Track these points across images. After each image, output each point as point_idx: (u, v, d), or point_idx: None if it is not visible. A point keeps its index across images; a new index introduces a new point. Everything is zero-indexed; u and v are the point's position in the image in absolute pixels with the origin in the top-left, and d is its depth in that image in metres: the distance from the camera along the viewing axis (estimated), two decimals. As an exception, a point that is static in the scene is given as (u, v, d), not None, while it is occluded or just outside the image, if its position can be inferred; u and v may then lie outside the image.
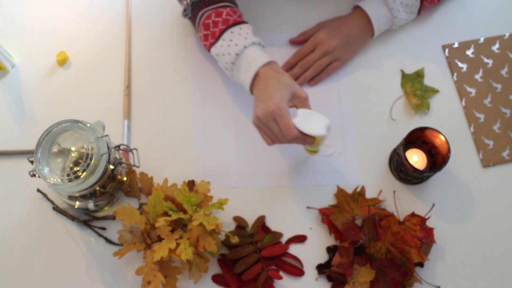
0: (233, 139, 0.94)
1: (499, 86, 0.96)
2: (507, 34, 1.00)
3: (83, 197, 0.82)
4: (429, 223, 0.87)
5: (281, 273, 0.86)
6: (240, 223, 0.88)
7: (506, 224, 0.88)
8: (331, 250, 0.87)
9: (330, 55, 0.95)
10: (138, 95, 0.97)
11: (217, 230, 0.80)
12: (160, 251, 0.78)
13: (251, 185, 0.91)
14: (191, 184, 0.89)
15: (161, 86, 0.98)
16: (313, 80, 0.96)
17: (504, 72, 0.97)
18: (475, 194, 0.90)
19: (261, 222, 0.88)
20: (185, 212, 0.83)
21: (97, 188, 0.81)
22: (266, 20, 1.01)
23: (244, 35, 0.84)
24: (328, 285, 0.85)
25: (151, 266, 0.80)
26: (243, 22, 0.87)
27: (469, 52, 0.99)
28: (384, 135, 0.94)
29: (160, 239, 0.82)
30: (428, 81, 0.97)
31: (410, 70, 0.98)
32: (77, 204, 0.85)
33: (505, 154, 0.92)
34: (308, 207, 0.90)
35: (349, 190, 0.90)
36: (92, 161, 0.76)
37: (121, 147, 0.85)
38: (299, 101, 0.81)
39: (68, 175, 0.76)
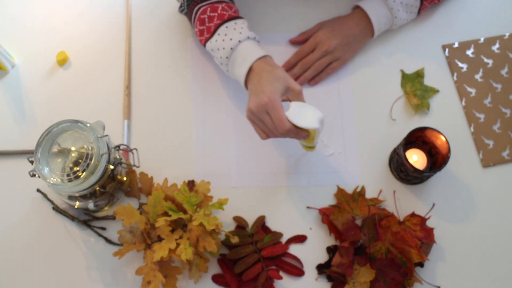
0: (233, 139, 0.94)
1: (499, 86, 0.96)
2: (507, 34, 1.00)
3: (83, 197, 0.82)
4: (429, 223, 0.87)
5: (281, 273, 0.86)
6: (240, 223, 0.88)
7: (506, 224, 0.88)
8: (331, 250, 0.87)
9: (330, 55, 0.95)
10: (138, 95, 0.97)
11: (217, 230, 0.80)
12: (160, 251, 0.78)
13: (251, 185, 0.91)
14: (191, 184, 0.89)
15: (161, 86, 0.98)
16: (313, 80, 0.96)
17: (504, 72, 0.97)
18: (475, 194, 0.90)
19: (261, 222, 0.88)
20: (185, 212, 0.83)
21: (97, 188, 0.81)
22: (266, 20, 1.01)
23: (239, 30, 0.84)
24: (328, 285, 0.85)
25: (151, 266, 0.80)
26: (238, 17, 0.87)
27: (469, 52, 0.99)
28: (384, 135, 0.94)
29: (160, 239, 0.82)
30: (428, 81, 0.97)
31: (410, 70, 0.98)
32: (77, 204, 0.85)
33: (505, 154, 0.92)
34: (308, 207, 0.90)
35: (349, 190, 0.90)
36: (92, 161, 0.76)
37: (121, 147, 0.85)
38: (293, 95, 0.80)
39: (68, 175, 0.76)
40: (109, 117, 0.94)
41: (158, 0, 1.04)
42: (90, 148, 0.77)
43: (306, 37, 0.98)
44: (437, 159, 0.86)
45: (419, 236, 0.84)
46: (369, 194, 0.90)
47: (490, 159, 0.92)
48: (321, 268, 0.86)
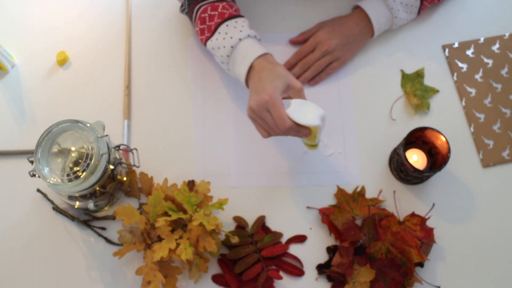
0: (233, 139, 0.94)
1: (499, 86, 0.96)
2: (507, 34, 1.00)
3: (83, 197, 0.82)
4: (429, 223, 0.87)
5: (281, 273, 0.86)
6: (240, 223, 0.88)
7: (506, 224, 0.88)
8: (331, 250, 0.87)
9: (330, 55, 0.95)
10: (138, 95, 0.97)
11: (217, 230, 0.80)
12: (160, 251, 0.78)
13: (251, 185, 0.91)
14: (191, 184, 0.89)
15: (161, 86, 0.98)
16: (313, 80, 0.96)
17: (504, 72, 0.97)
18: (475, 194, 0.90)
19: (261, 222, 0.88)
20: (185, 212, 0.83)
21: (97, 188, 0.81)
22: (266, 20, 1.01)
23: (240, 28, 0.84)
24: (328, 285, 0.85)
25: (151, 266, 0.80)
26: (239, 15, 0.87)
27: (469, 52, 0.99)
28: (384, 135, 0.94)
29: (160, 239, 0.82)
30: (428, 81, 0.97)
31: (410, 70, 0.98)
32: (77, 204, 0.85)
33: (505, 154, 0.92)
34: (308, 207, 0.90)
35: (349, 190, 0.90)
36: (92, 161, 0.76)
37: (121, 147, 0.85)
38: (294, 92, 0.80)
39: (68, 175, 0.76)
40: (109, 117, 0.94)
41: (158, 0, 1.04)
42: (90, 148, 0.77)
43: (306, 37, 0.98)
44: (437, 159, 0.86)
45: (419, 236, 0.84)
46: (369, 194, 0.90)
47: (490, 159, 0.92)
48: (321, 268, 0.86)
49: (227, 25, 0.85)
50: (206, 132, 0.95)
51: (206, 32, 0.87)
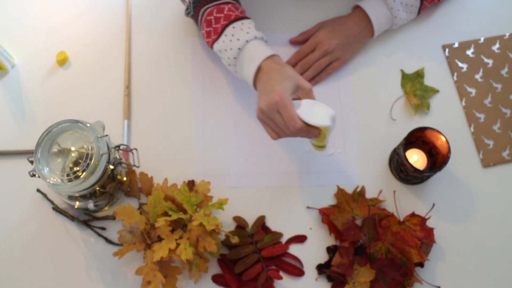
0: (233, 139, 0.94)
1: (499, 86, 0.96)
2: (507, 34, 1.00)
3: (83, 197, 0.82)
4: (429, 223, 0.87)
5: (281, 273, 0.86)
6: (240, 223, 0.88)
7: (506, 224, 0.88)
8: (331, 250, 0.87)
9: (330, 55, 0.95)
10: (138, 95, 0.97)
11: (217, 230, 0.80)
12: (160, 251, 0.78)
13: (251, 185, 0.91)
14: (191, 184, 0.89)
15: (161, 86, 0.98)
16: (313, 80, 0.96)
17: (504, 72, 0.97)
18: (475, 194, 0.90)
19: (261, 222, 0.88)
20: (185, 212, 0.83)
21: (97, 188, 0.81)
22: (266, 20, 1.01)
23: (246, 30, 0.84)
24: (328, 285, 0.85)
25: (151, 266, 0.80)
26: (245, 17, 0.86)
27: (469, 52, 0.99)
28: (384, 135, 0.94)
29: (160, 239, 0.82)
30: (428, 81, 0.97)
31: (410, 70, 0.98)
32: (77, 204, 0.85)
33: (505, 154, 0.92)
34: (308, 207, 0.90)
35: (349, 190, 0.90)
36: (92, 161, 0.76)
37: (121, 147, 0.85)
38: (303, 93, 0.79)
39: (68, 175, 0.76)
40: (109, 117, 0.94)
41: (159, 0, 1.04)
42: (90, 148, 0.77)
43: (306, 37, 0.98)
44: (437, 159, 0.86)
45: (419, 236, 0.84)
46: (369, 194, 0.90)
47: (490, 159, 0.92)
48: (321, 268, 0.86)
49: (233, 27, 0.84)
50: (206, 132, 0.95)
51: (212, 35, 0.87)
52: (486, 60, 0.98)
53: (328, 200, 0.90)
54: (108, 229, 0.89)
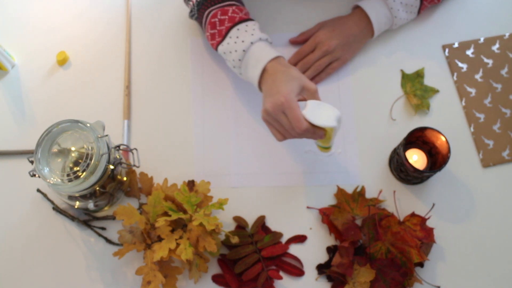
0: (233, 139, 0.94)
1: (499, 86, 0.96)
2: (507, 34, 1.00)
3: (83, 197, 0.82)
4: (429, 223, 0.87)
5: (281, 273, 0.86)
6: (240, 223, 0.88)
7: (506, 224, 0.88)
8: (331, 250, 0.87)
9: (330, 55, 0.95)
10: (138, 95, 0.97)
11: (217, 230, 0.80)
12: (160, 251, 0.78)
13: (251, 185, 0.91)
14: (191, 184, 0.89)
15: (161, 86, 0.98)
16: (313, 80, 0.96)
17: (504, 72, 0.97)
18: (475, 194, 0.90)
19: (261, 222, 0.88)
20: (185, 212, 0.83)
21: (97, 188, 0.81)
22: (266, 20, 1.01)
23: (251, 32, 0.84)
24: (328, 285, 0.85)
25: (151, 266, 0.80)
26: (249, 19, 0.86)
27: (469, 52, 0.99)
28: (384, 135, 0.94)
29: (160, 239, 0.82)
30: (428, 81, 0.97)
31: (410, 70, 0.98)
32: (77, 204, 0.85)
33: (505, 154, 0.92)
34: (308, 207, 0.90)
35: (349, 190, 0.90)
36: (92, 161, 0.76)
37: (121, 147, 0.85)
38: (309, 94, 0.79)
39: (68, 175, 0.76)
40: (109, 117, 0.94)
41: (159, 0, 1.04)
42: (90, 148, 0.77)
43: (306, 37, 0.98)
44: (437, 159, 0.86)
45: (419, 236, 0.84)
46: (369, 194, 0.90)
47: (490, 159, 0.92)
48: (321, 268, 0.86)
49: (238, 29, 0.84)
50: (206, 132, 0.95)
51: (217, 37, 0.87)
52: (486, 60, 0.98)
53: (328, 200, 0.90)
54: (108, 229, 0.89)
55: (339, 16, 0.99)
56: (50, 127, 0.78)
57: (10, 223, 0.89)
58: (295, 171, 0.92)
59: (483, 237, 0.88)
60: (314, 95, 0.79)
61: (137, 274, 0.81)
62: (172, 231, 0.82)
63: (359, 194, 0.89)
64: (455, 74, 0.97)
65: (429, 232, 0.85)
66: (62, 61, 0.99)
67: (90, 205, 0.83)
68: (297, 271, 0.86)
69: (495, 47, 0.99)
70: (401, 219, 0.87)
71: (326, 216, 0.88)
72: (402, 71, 0.98)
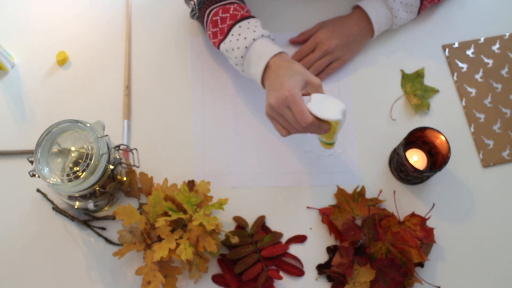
0: (233, 139, 0.94)
1: (499, 86, 0.96)
2: (507, 34, 1.00)
3: (83, 197, 0.82)
4: (429, 223, 0.87)
5: (281, 273, 0.86)
6: (240, 223, 0.88)
7: (506, 224, 0.88)
8: (331, 250, 0.87)
9: (330, 55, 0.95)
10: (138, 95, 0.97)
11: (217, 230, 0.80)
12: (160, 251, 0.78)
13: (251, 185, 0.91)
14: (191, 184, 0.89)
15: (161, 86, 0.98)
16: None
17: (504, 72, 0.97)
18: (475, 194, 0.90)
19: (261, 222, 0.88)
20: (185, 212, 0.83)
21: (97, 188, 0.81)
22: (266, 20, 1.01)
23: (253, 29, 0.84)
24: (328, 285, 0.85)
25: (151, 266, 0.80)
26: (251, 16, 0.86)
27: (469, 52, 0.99)
28: (384, 135, 0.94)
29: (160, 239, 0.82)
30: (428, 81, 0.97)
31: (410, 70, 0.98)
32: (77, 204, 0.85)
33: (505, 154, 0.92)
34: (308, 207, 0.90)
35: (349, 190, 0.90)
36: (92, 161, 0.76)
37: (121, 147, 0.85)
38: (313, 89, 0.79)
39: (68, 175, 0.76)
40: (109, 117, 0.94)
41: (158, 0, 1.04)
42: (90, 148, 0.77)
43: (306, 37, 0.98)
44: (437, 159, 0.86)
45: (419, 236, 0.84)
46: (369, 194, 0.90)
47: (490, 159, 0.92)
48: (321, 268, 0.86)
49: (240, 26, 0.84)
50: (206, 132, 0.95)
51: (219, 35, 0.86)
52: (486, 60, 0.98)
53: (328, 200, 0.90)
54: (108, 229, 0.89)
55: (339, 16, 0.99)
56: (50, 127, 0.78)
57: (10, 223, 0.89)
58: (295, 171, 0.92)
59: (483, 237, 0.88)
60: (318, 90, 0.79)
61: (137, 274, 0.81)
62: (172, 231, 0.82)
63: (359, 194, 0.89)
64: (455, 74, 0.97)
65: (429, 232, 0.85)
66: (62, 61, 0.99)
67: (90, 205, 0.83)
68: (297, 271, 0.86)
69: (495, 47, 0.99)
70: (401, 219, 0.87)
71: (326, 216, 0.88)
72: (402, 71, 0.98)
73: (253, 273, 0.84)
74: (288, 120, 0.77)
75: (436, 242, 0.86)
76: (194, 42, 1.01)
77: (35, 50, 1.01)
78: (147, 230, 0.83)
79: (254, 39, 0.83)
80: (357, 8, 0.97)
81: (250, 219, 0.89)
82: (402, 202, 0.90)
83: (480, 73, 0.97)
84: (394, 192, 0.90)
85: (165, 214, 0.83)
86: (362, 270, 0.82)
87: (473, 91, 0.96)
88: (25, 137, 0.94)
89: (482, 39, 0.99)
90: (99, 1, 1.05)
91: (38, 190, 0.90)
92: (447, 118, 0.95)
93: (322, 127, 0.77)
